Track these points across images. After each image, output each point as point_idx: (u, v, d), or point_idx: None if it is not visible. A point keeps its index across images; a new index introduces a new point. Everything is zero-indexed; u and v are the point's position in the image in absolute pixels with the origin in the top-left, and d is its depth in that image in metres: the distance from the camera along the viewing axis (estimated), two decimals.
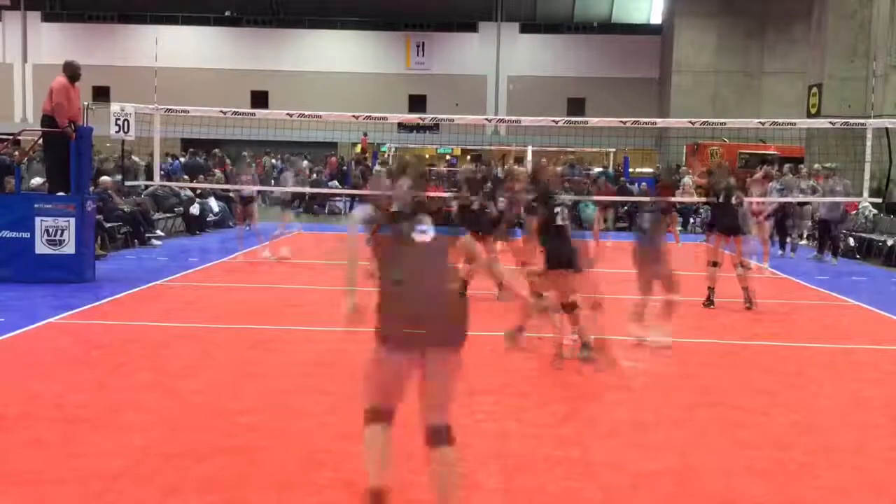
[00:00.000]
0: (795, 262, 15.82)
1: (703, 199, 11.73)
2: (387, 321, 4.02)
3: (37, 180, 13.10)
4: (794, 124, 18.96)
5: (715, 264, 10.59)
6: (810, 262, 16.15)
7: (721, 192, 10.67)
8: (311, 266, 13.62)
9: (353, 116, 16.18)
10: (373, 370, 4.08)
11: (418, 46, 40.75)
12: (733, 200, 10.64)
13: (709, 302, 10.56)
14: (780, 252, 17.24)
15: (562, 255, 7.23)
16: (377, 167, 26.84)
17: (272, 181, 30.03)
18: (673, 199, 18.19)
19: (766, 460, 5.14)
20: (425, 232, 3.96)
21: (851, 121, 16.98)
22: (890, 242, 16.10)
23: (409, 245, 3.97)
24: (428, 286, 3.96)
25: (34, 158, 14.44)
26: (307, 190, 24.87)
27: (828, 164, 17.13)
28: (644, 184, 25.37)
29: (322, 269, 13.42)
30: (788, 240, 17.32)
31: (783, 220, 17.28)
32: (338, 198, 25.85)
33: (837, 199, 16.69)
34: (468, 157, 30.62)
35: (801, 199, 18.36)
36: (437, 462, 4.02)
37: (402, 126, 34.59)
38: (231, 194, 14.96)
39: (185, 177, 21.20)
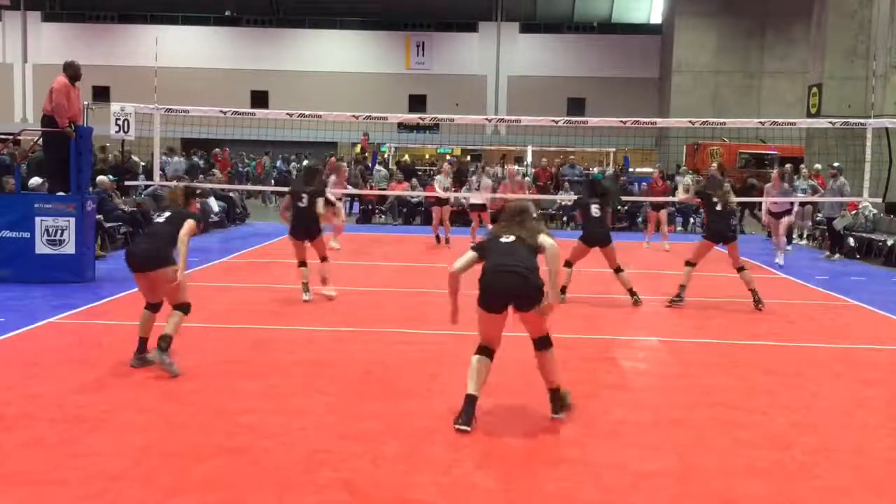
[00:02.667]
0: (795, 261, 15.81)
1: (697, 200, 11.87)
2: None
3: (36, 180, 13.10)
4: (794, 124, 18.96)
5: (691, 264, 10.69)
6: (810, 262, 16.16)
7: (716, 201, 10.74)
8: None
9: (353, 116, 16.18)
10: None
11: (418, 46, 40.79)
12: (719, 207, 10.72)
13: (678, 298, 10.58)
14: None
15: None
16: (377, 167, 26.85)
17: (272, 181, 30.04)
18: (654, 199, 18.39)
19: (766, 460, 5.15)
20: None
21: (851, 121, 16.97)
22: (890, 242, 16.11)
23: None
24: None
25: (28, 159, 14.42)
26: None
27: (835, 164, 17.16)
28: (644, 184, 25.41)
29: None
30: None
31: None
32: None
33: (844, 198, 16.75)
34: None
35: (803, 198, 18.42)
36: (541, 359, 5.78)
37: (402, 126, 34.64)
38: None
39: (186, 177, 21.18)
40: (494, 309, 5.64)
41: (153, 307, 6.97)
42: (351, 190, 21.27)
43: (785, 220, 15.82)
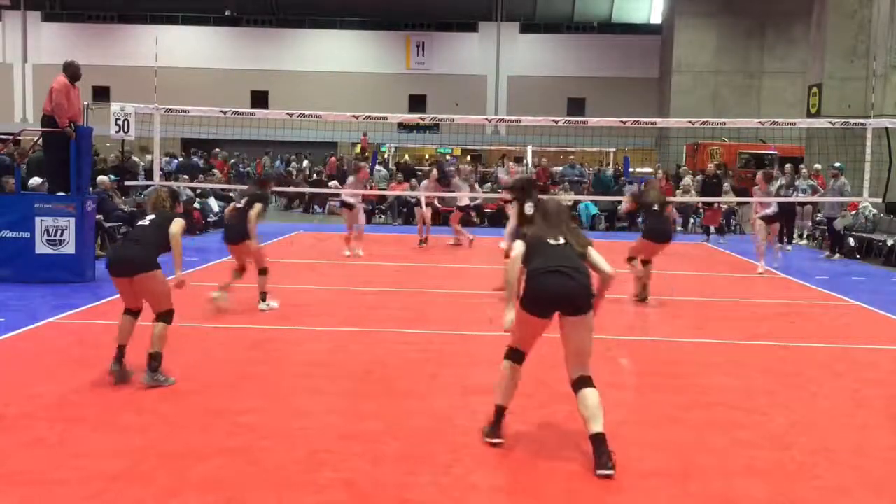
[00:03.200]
0: (796, 262, 15.81)
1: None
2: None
3: (36, 180, 13.10)
4: (794, 124, 18.96)
5: (646, 262, 10.84)
6: (810, 262, 16.15)
7: (654, 203, 11.04)
8: (312, 266, 13.63)
9: (353, 116, 16.19)
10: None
11: (418, 46, 40.77)
12: (656, 207, 11.00)
13: (643, 296, 10.71)
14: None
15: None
16: (377, 167, 26.85)
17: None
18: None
19: (765, 460, 5.15)
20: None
21: (851, 121, 16.97)
22: (890, 242, 16.11)
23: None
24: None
25: (27, 159, 14.42)
26: (307, 190, 24.92)
27: (836, 164, 17.18)
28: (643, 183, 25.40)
29: (322, 269, 13.44)
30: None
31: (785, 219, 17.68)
32: (337, 198, 25.84)
33: (844, 198, 16.76)
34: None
35: (802, 198, 18.43)
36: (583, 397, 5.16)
37: (402, 126, 34.65)
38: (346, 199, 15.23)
39: (185, 177, 21.18)
40: (543, 313, 5.16)
41: (134, 313, 6.64)
42: (351, 190, 21.24)
43: (776, 226, 15.61)
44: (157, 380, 6.34)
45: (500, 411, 5.35)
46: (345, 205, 15.45)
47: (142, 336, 7.94)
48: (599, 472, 4.77)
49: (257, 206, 9.59)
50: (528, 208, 8.99)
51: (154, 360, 6.36)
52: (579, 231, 5.55)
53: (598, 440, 4.89)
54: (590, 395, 5.14)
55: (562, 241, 5.31)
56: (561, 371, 7.33)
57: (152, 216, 6.85)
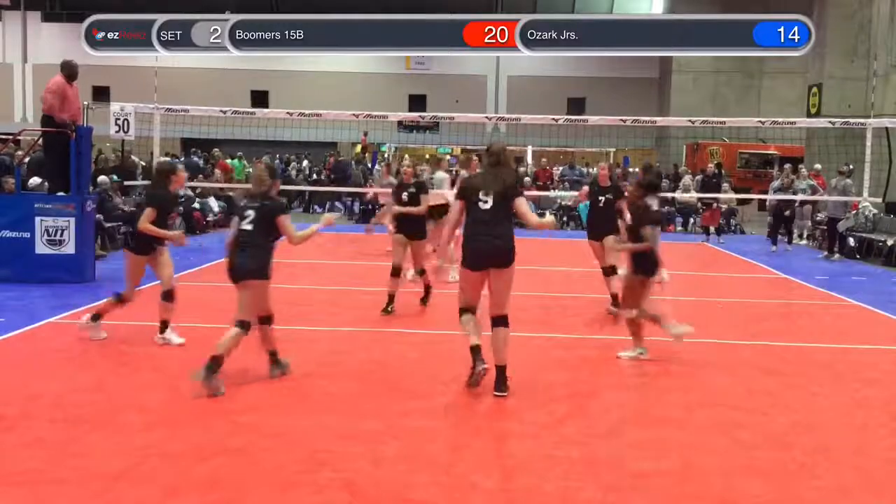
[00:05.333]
0: (795, 261, 15.81)
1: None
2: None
3: (36, 180, 13.10)
4: (794, 124, 18.97)
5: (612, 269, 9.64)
6: (810, 262, 16.15)
7: (596, 197, 9.98)
8: (312, 266, 13.62)
9: (353, 115, 16.21)
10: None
11: None
12: (601, 203, 9.89)
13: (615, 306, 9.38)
14: (773, 248, 17.44)
15: None
16: (377, 167, 26.84)
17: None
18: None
19: (766, 460, 5.15)
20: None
21: (851, 121, 16.98)
22: (890, 242, 16.10)
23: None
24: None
25: (28, 160, 14.43)
26: (307, 189, 24.91)
27: (847, 164, 17.20)
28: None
29: (322, 268, 13.44)
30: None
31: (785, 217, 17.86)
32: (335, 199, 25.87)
33: (847, 198, 16.76)
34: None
35: (803, 198, 18.44)
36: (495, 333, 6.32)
37: (402, 125, 34.64)
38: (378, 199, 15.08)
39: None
40: (476, 269, 6.34)
41: (263, 319, 6.57)
42: (352, 189, 21.29)
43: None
44: (209, 381, 6.10)
45: (476, 349, 6.34)
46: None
47: (147, 337, 7.94)
48: (496, 393, 6.24)
49: (148, 211, 8.65)
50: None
51: (213, 362, 6.15)
52: (512, 180, 6.47)
53: (500, 371, 6.32)
54: (501, 332, 6.34)
55: (490, 203, 6.26)
56: (560, 371, 7.34)
57: (253, 209, 6.48)
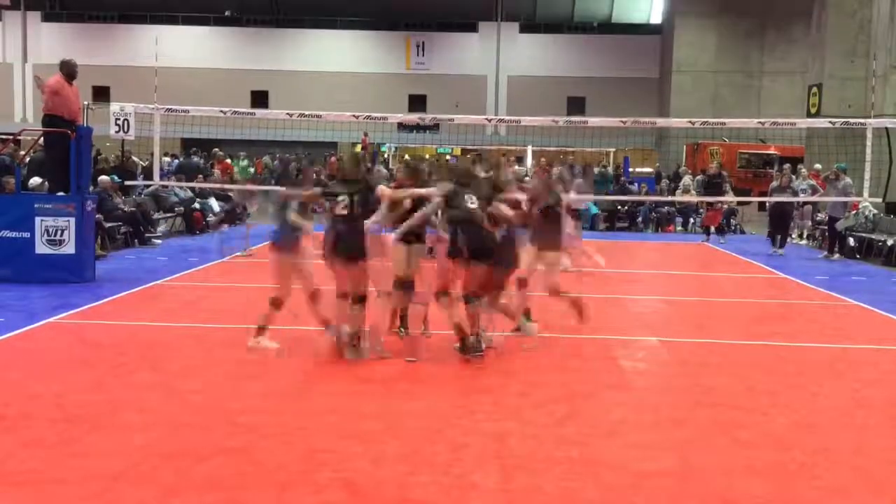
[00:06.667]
0: (795, 261, 15.81)
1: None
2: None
3: (36, 180, 13.10)
4: (794, 124, 18.96)
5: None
6: (810, 262, 16.14)
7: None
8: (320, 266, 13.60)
9: (353, 116, 16.18)
10: None
11: (418, 46, 40.75)
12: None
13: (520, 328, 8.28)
14: (772, 250, 17.29)
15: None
16: (377, 167, 26.83)
17: (272, 181, 29.99)
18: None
19: (766, 460, 5.14)
20: None
21: (851, 121, 16.96)
22: (890, 242, 16.10)
23: None
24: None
25: (29, 160, 14.43)
26: (312, 189, 24.83)
27: (840, 164, 17.14)
28: (644, 184, 25.44)
29: (322, 268, 13.42)
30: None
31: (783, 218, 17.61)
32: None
33: (847, 198, 16.74)
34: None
35: (803, 198, 18.43)
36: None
37: (402, 126, 34.63)
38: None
39: (183, 176, 21.15)
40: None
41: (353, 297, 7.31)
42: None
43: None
44: (375, 350, 7.22)
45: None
46: None
47: (147, 337, 7.94)
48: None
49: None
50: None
51: (352, 338, 7.23)
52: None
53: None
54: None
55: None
56: (560, 371, 7.35)
57: (348, 195, 7.23)
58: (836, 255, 16.68)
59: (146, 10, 40.29)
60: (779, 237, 17.59)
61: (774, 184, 18.38)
